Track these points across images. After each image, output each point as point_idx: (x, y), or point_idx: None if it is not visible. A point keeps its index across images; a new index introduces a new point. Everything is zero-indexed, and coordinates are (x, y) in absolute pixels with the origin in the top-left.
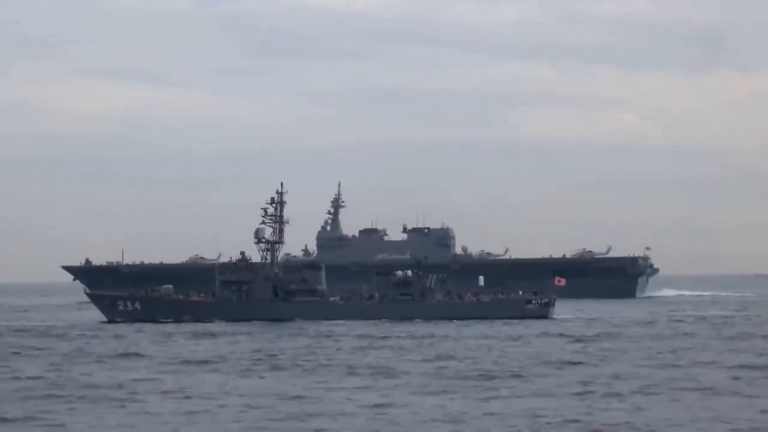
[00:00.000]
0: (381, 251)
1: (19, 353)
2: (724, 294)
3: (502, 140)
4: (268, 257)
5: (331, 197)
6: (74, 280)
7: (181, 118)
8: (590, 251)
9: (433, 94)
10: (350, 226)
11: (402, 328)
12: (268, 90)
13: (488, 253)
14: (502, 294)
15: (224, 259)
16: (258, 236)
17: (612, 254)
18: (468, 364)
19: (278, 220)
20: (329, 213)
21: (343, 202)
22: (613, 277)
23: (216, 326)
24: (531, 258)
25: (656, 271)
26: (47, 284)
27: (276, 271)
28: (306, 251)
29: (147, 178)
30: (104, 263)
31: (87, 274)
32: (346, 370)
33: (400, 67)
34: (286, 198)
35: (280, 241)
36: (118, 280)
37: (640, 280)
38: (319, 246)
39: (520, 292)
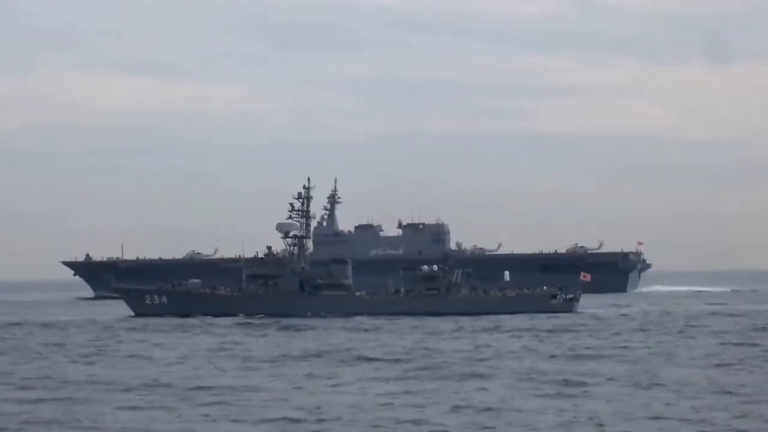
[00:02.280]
0: (376, 247)
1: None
2: (711, 289)
3: (523, 132)
4: (295, 252)
5: (345, 190)
6: (74, 275)
7: (200, 110)
8: (582, 246)
9: (455, 86)
10: (347, 221)
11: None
12: (288, 82)
13: (481, 248)
14: (527, 289)
15: (220, 255)
16: (283, 231)
17: (604, 249)
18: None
19: (305, 215)
20: (325, 209)
21: (339, 197)
22: (604, 272)
23: (300, 321)
24: (522, 253)
25: (648, 266)
26: (45, 281)
27: (303, 265)
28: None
29: (160, 170)
30: (104, 258)
31: (86, 270)
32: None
33: (423, 58)
34: (312, 193)
35: (307, 236)
36: (117, 275)
37: (632, 275)
38: (314, 241)
39: (545, 287)
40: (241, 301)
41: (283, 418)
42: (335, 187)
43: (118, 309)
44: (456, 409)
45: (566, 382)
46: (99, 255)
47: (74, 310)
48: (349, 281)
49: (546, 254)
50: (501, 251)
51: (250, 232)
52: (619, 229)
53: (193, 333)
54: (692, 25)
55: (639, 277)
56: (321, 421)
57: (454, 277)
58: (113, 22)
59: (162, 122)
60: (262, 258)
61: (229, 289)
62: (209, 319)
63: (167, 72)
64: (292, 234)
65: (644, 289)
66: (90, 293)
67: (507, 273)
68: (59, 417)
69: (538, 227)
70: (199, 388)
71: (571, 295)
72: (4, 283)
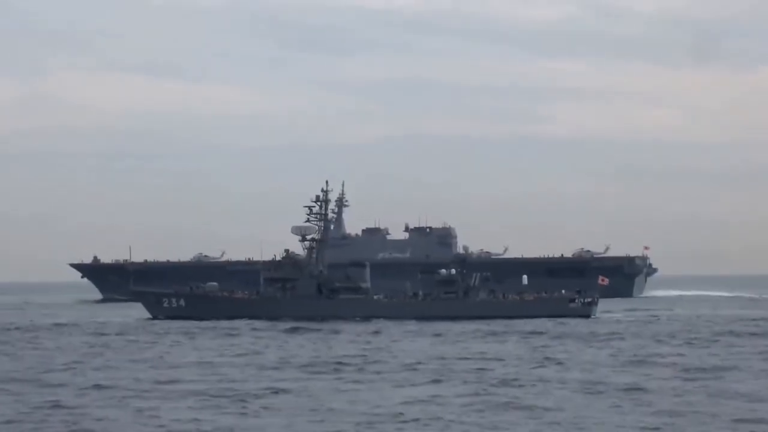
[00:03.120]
0: (383, 250)
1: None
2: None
3: (535, 135)
4: (313, 255)
5: (355, 192)
6: (82, 278)
7: (204, 111)
8: (588, 251)
9: (464, 88)
10: (354, 224)
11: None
12: (299, 84)
13: (487, 252)
14: (545, 293)
15: (227, 258)
16: (301, 234)
17: (610, 254)
18: None
19: (323, 218)
20: (332, 212)
21: (346, 201)
22: (610, 276)
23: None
24: (529, 257)
25: (655, 270)
26: (53, 283)
27: (321, 269)
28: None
29: (166, 172)
30: (112, 261)
31: (93, 272)
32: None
33: (436, 62)
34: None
35: (325, 239)
36: (124, 278)
37: (638, 279)
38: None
39: (563, 291)
40: (258, 304)
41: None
42: (342, 190)
43: (133, 312)
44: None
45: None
46: (108, 257)
47: (86, 312)
48: (367, 285)
49: (552, 258)
50: (507, 255)
51: (255, 235)
52: (630, 232)
53: (239, 337)
54: (704, 28)
55: (645, 281)
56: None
57: (472, 281)
58: (118, 23)
59: (166, 124)
60: (279, 261)
61: (246, 293)
62: (252, 323)
63: (172, 73)
64: (309, 237)
65: (653, 293)
66: (97, 295)
67: (525, 277)
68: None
69: (545, 231)
70: (277, 391)
71: (589, 299)
72: (12, 285)
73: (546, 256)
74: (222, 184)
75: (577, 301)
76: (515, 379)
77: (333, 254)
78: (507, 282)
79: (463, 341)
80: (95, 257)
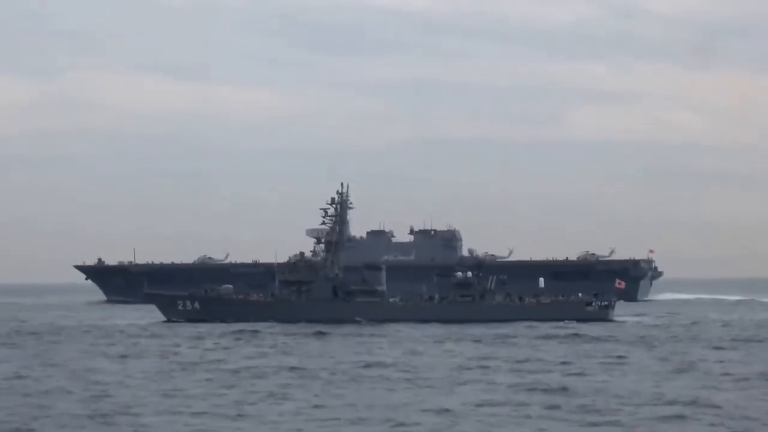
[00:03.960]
0: (387, 253)
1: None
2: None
3: (555, 138)
4: (329, 258)
5: (360, 194)
6: (86, 279)
7: (228, 114)
8: (593, 254)
9: (481, 90)
10: (359, 227)
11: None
12: (317, 86)
13: (492, 255)
14: (562, 296)
15: (231, 260)
16: (316, 236)
17: (615, 257)
18: None
19: (339, 221)
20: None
21: (351, 203)
22: (614, 279)
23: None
24: (533, 260)
25: (660, 274)
26: (57, 285)
27: (336, 271)
28: (314, 251)
29: (165, 172)
30: (116, 263)
31: (98, 274)
32: None
33: (454, 63)
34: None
35: (341, 241)
36: (129, 280)
37: (643, 283)
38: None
39: (580, 294)
40: (273, 307)
41: None
42: (347, 192)
43: (146, 314)
44: None
45: None
46: (113, 259)
47: (97, 314)
48: (383, 287)
49: (557, 261)
50: (512, 258)
51: (257, 237)
52: (652, 235)
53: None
54: (724, 30)
55: (650, 284)
56: None
57: (489, 284)
58: (131, 24)
59: (183, 126)
60: (294, 263)
61: (262, 295)
62: (274, 326)
63: (185, 74)
64: (324, 240)
65: (659, 297)
66: (101, 297)
67: (542, 280)
68: None
69: (553, 233)
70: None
71: (606, 303)
72: (15, 287)
73: (550, 258)
74: (227, 186)
75: (594, 304)
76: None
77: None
78: (511, 284)
79: (505, 344)
80: (99, 259)
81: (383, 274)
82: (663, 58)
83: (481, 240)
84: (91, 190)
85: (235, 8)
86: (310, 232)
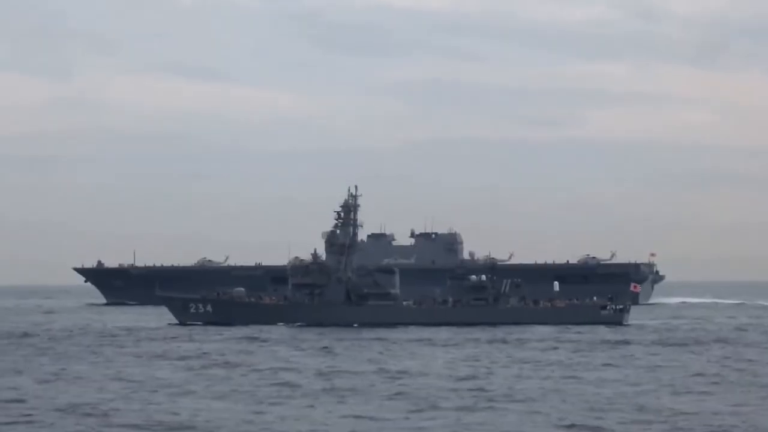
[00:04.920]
0: (388, 256)
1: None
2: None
3: (574, 139)
4: (342, 261)
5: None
6: (86, 282)
7: (246, 115)
8: (594, 257)
9: (500, 92)
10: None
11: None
12: (336, 87)
13: (492, 258)
14: (576, 300)
15: (231, 262)
16: (329, 240)
17: (616, 260)
18: None
19: (352, 224)
20: (339, 217)
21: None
22: (615, 283)
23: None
24: (534, 264)
25: (662, 277)
26: (56, 287)
27: (349, 274)
28: (315, 254)
29: (195, 175)
30: (116, 265)
31: (97, 276)
32: None
33: (471, 65)
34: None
35: (354, 245)
36: (128, 282)
37: (644, 286)
38: (327, 251)
39: (594, 298)
40: (286, 310)
41: None
42: (348, 194)
43: (158, 317)
44: None
45: None
46: (113, 262)
47: (111, 317)
48: (396, 291)
49: (558, 265)
50: (512, 261)
51: (266, 240)
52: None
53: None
54: (743, 30)
55: (652, 288)
56: None
57: (503, 287)
58: (157, 25)
59: (196, 127)
60: (307, 266)
61: (274, 298)
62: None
63: (202, 74)
64: (337, 242)
65: (661, 300)
66: (100, 299)
67: (556, 283)
68: None
69: (560, 236)
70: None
71: (621, 306)
72: (11, 289)
73: (552, 262)
74: (233, 187)
75: (609, 308)
76: None
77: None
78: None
79: (543, 349)
80: (99, 261)
81: (396, 277)
82: (683, 57)
83: (487, 243)
84: (91, 191)
85: (251, 9)
86: (325, 235)
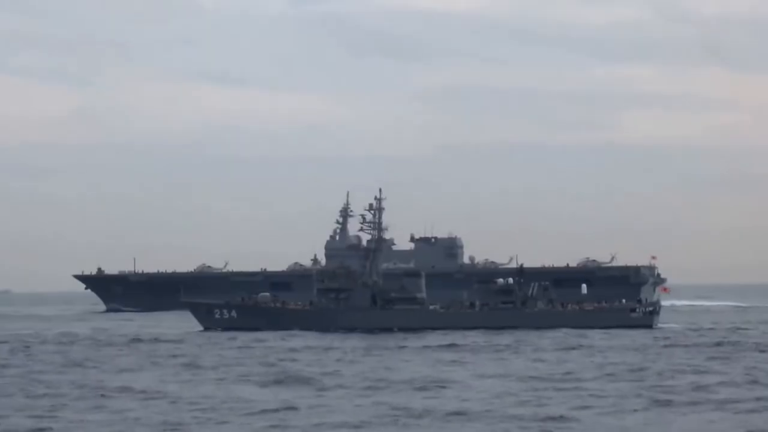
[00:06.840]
0: (387, 260)
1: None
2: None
3: (604, 142)
4: (367, 265)
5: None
6: (86, 289)
7: (270, 121)
8: (594, 260)
9: (528, 94)
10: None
11: None
12: (365, 92)
13: (492, 262)
14: (605, 302)
15: (231, 268)
16: (353, 244)
17: (616, 263)
18: None
19: (377, 227)
20: (338, 222)
21: (351, 211)
22: (615, 286)
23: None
24: (533, 267)
25: (663, 281)
26: (55, 294)
27: (375, 279)
28: (315, 260)
29: (214, 181)
30: (116, 272)
31: (97, 283)
32: None
33: (501, 68)
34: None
35: (379, 249)
36: (128, 289)
37: (645, 289)
38: (327, 255)
39: (623, 301)
40: (312, 315)
41: None
42: (347, 200)
43: (181, 323)
44: None
45: None
46: (113, 269)
47: (121, 323)
48: (423, 295)
49: (557, 268)
50: (513, 265)
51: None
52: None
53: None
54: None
55: (653, 291)
56: None
57: (530, 290)
58: (184, 31)
59: (230, 134)
60: (333, 271)
61: (300, 303)
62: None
63: (230, 81)
64: (363, 247)
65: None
66: (100, 306)
67: (584, 286)
68: None
69: (569, 239)
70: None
71: (650, 309)
72: (11, 295)
73: (552, 265)
74: (244, 194)
75: (638, 310)
76: None
77: (336, 264)
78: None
79: (595, 352)
80: (99, 269)
81: (422, 281)
82: (712, 59)
83: (490, 248)
84: (93, 200)
85: (278, 15)
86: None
